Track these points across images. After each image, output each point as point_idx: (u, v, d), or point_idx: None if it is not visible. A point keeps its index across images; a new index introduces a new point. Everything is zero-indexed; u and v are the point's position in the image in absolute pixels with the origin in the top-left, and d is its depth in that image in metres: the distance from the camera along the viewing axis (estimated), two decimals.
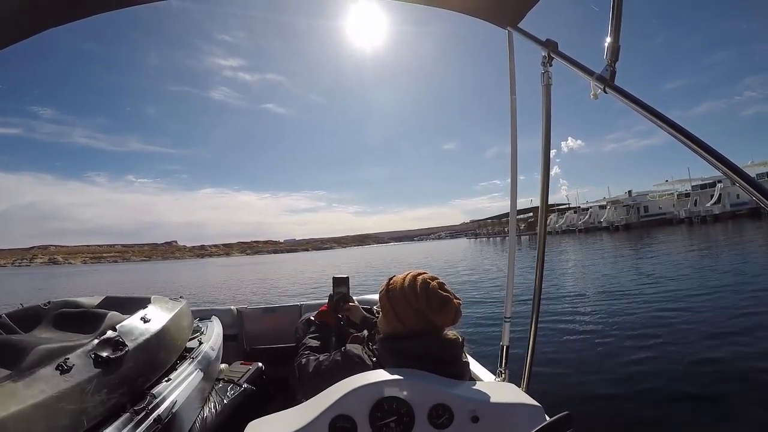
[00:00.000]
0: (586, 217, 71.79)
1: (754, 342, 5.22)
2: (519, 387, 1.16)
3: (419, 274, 1.24)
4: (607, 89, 1.04)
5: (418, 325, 1.18)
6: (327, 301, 1.84)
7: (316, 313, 1.79)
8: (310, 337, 1.58)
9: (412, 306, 1.18)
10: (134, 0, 1.43)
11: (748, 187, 0.72)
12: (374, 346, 1.27)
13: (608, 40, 1.06)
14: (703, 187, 54.83)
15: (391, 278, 1.30)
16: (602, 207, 71.02)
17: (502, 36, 1.73)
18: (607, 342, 5.78)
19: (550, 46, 1.40)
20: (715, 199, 48.33)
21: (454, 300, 1.20)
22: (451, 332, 1.23)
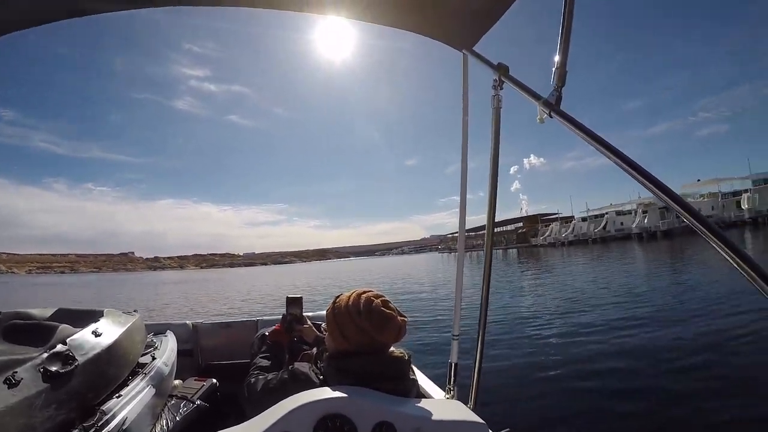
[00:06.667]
0: (602, 224, 62.94)
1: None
2: (467, 404, 1.18)
3: (364, 292, 1.25)
4: (552, 114, 1.05)
5: (363, 343, 1.19)
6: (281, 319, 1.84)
7: (270, 330, 1.78)
8: (260, 357, 1.57)
9: (356, 324, 1.18)
10: (113, 6, 1.37)
11: (682, 211, 0.75)
12: (321, 364, 1.27)
13: (556, 65, 1.07)
14: (766, 181, 47.03)
15: (337, 296, 1.31)
16: (620, 213, 63.25)
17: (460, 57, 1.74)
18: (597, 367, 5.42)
19: (501, 70, 1.41)
20: None
21: (399, 317, 1.21)
22: (398, 350, 1.24)
